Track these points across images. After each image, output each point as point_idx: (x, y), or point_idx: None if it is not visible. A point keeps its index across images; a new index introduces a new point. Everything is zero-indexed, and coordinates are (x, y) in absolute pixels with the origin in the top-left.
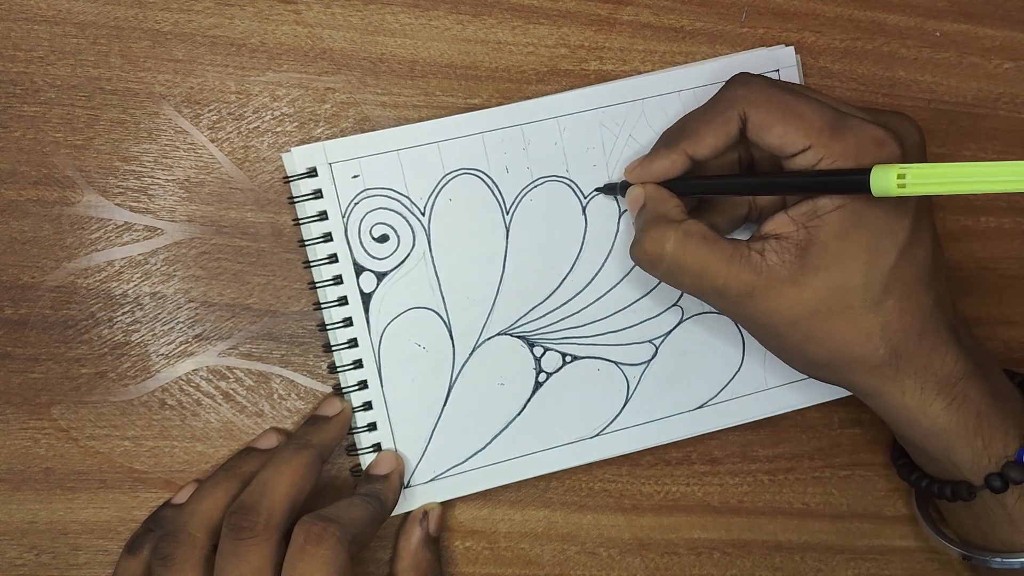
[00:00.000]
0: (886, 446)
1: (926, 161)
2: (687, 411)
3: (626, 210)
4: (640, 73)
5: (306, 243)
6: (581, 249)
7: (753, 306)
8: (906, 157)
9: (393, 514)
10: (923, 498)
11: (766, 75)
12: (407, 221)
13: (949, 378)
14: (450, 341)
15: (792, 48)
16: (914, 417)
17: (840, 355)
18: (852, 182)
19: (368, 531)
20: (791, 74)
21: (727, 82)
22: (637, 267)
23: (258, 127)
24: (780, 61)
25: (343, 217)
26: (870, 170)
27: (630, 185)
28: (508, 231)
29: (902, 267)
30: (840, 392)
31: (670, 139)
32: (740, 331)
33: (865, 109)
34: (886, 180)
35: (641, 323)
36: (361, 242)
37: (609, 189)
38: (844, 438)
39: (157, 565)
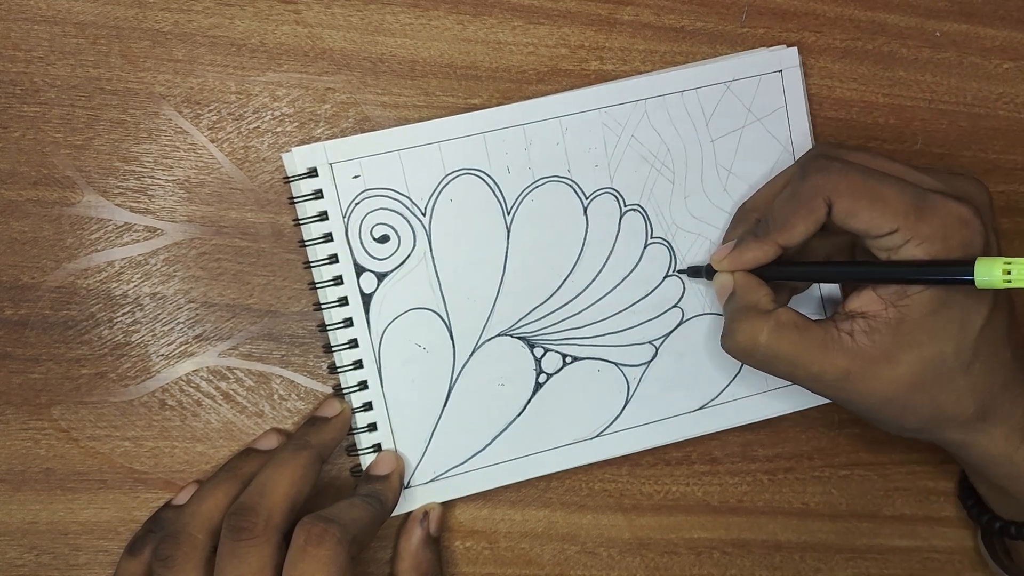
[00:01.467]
0: (886, 446)
1: (996, 223)
2: (687, 412)
3: (628, 210)
4: (640, 73)
5: (306, 243)
6: (582, 250)
7: (849, 388)
8: (985, 226)
9: (394, 514)
10: (989, 537)
11: (839, 151)
12: (408, 221)
13: None
14: (450, 342)
15: (795, 49)
16: (999, 463)
17: (933, 418)
18: (954, 273)
19: (369, 532)
20: (794, 74)
21: (805, 166)
22: (632, 267)
23: (258, 127)
24: (783, 62)
25: (344, 217)
26: (972, 262)
27: (716, 270)
28: (509, 232)
29: (987, 331)
30: None
31: (758, 229)
32: None
33: (933, 171)
34: (991, 274)
35: (641, 324)
36: (362, 242)
37: (694, 272)
38: (844, 438)
39: (158, 566)
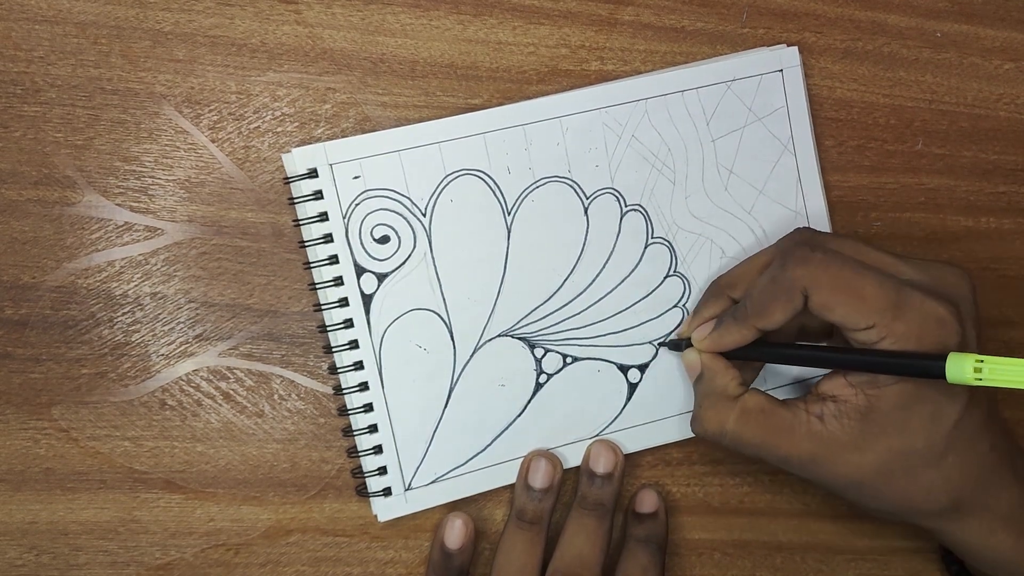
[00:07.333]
0: None
1: (978, 315)
2: (687, 412)
3: (629, 210)
4: (641, 73)
5: (307, 244)
6: (583, 250)
7: (816, 471)
8: (963, 325)
9: (404, 514)
10: None
11: (822, 239)
12: (408, 222)
13: (1013, 513)
14: (451, 342)
15: (796, 48)
16: (979, 552)
17: (903, 507)
18: (926, 369)
19: None
20: (795, 74)
21: (786, 254)
22: (632, 267)
23: (259, 127)
24: (784, 61)
25: (344, 218)
26: (944, 357)
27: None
28: (509, 232)
29: (962, 426)
30: None
31: (737, 312)
32: None
33: (917, 262)
34: (962, 370)
35: (642, 324)
36: (362, 243)
37: (674, 346)
38: None
39: None
